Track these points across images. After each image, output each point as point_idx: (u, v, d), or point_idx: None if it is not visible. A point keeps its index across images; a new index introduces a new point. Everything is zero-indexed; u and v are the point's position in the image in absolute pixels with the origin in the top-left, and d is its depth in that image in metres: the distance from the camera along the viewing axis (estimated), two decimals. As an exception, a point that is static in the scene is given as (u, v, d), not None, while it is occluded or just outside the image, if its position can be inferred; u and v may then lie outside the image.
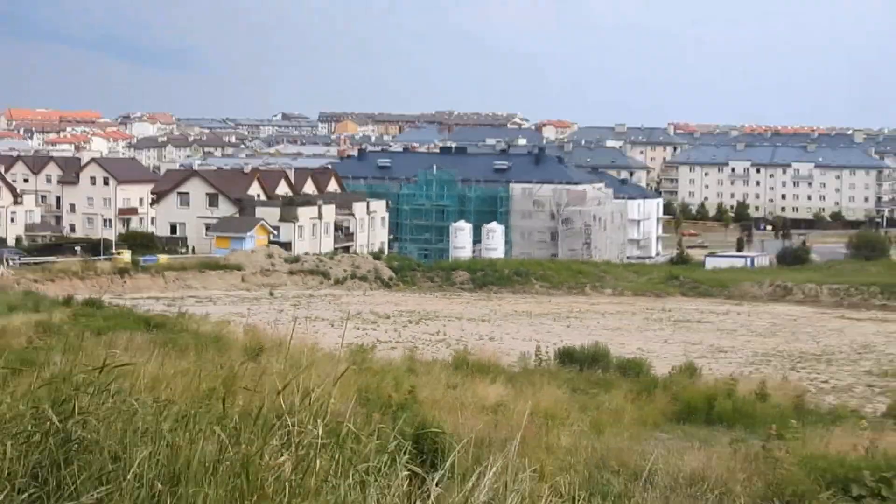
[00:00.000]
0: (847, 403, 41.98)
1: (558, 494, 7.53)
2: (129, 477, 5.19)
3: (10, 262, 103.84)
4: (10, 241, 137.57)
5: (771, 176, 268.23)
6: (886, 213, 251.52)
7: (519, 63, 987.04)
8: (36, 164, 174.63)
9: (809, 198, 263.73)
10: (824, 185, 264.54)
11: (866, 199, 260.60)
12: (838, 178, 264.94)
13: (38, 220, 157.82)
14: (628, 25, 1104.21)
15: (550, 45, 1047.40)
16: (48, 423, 5.51)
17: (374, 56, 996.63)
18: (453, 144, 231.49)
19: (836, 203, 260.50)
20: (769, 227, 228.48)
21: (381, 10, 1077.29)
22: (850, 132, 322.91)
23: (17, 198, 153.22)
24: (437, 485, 6.03)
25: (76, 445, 5.44)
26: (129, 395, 6.06)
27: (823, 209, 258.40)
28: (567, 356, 47.57)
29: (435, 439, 12.40)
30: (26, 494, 5.18)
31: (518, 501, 5.98)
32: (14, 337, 33.74)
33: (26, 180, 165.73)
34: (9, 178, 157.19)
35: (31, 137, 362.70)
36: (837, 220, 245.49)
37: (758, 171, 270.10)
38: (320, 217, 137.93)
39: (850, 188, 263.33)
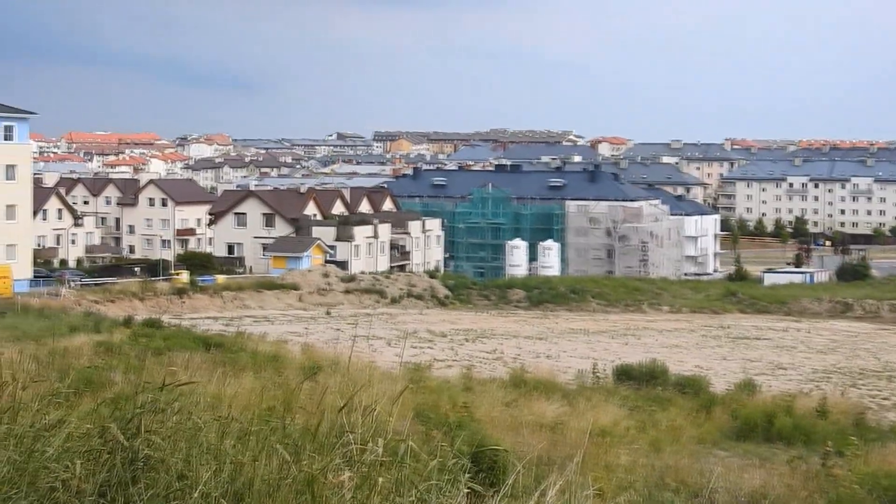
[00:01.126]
0: (908, 420, 41.59)
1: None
2: (195, 495, 5.25)
3: (71, 284, 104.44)
4: (71, 263, 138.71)
5: (829, 191, 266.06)
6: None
7: (573, 80, 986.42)
8: (95, 186, 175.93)
9: (869, 213, 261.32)
10: (884, 199, 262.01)
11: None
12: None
13: (97, 241, 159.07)
14: (684, 41, 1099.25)
15: (605, 61, 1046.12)
16: (115, 441, 5.58)
17: (429, 75, 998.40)
18: (508, 162, 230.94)
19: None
20: (828, 243, 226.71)
21: (435, 29, 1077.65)
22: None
23: (77, 220, 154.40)
24: (497, 500, 6.05)
25: (142, 464, 5.50)
26: (191, 414, 6.12)
27: (883, 224, 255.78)
28: (624, 374, 47.45)
29: (493, 457, 12.42)
30: (97, 512, 5.25)
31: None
32: (76, 357, 33.98)
33: (86, 202, 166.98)
34: (69, 200, 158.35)
35: (90, 160, 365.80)
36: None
37: (816, 186, 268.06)
38: (376, 236, 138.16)
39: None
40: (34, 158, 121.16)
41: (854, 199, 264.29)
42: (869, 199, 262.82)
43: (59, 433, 5.59)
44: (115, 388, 7.73)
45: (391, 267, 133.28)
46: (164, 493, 5.29)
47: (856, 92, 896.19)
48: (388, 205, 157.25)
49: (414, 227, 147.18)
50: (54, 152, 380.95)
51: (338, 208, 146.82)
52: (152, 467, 5.46)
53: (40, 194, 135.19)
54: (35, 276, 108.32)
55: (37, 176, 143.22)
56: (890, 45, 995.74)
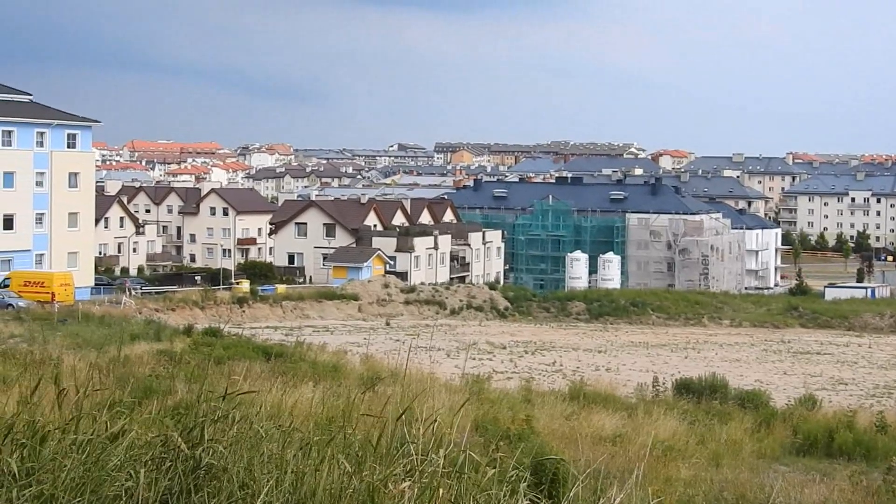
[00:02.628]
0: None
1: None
2: (257, 504, 5.28)
3: (133, 292, 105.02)
4: (133, 271, 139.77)
5: (892, 206, 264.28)
6: None
7: (635, 92, 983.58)
8: (157, 194, 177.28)
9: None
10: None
11: None
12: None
13: (159, 249, 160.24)
14: (746, 55, 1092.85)
15: (667, 73, 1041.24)
16: (177, 450, 5.61)
17: (489, 87, 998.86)
18: (569, 174, 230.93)
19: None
20: (890, 258, 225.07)
21: (497, 42, 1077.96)
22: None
23: (139, 228, 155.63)
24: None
25: (204, 472, 5.53)
26: (252, 423, 6.15)
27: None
28: (684, 387, 47.22)
29: (554, 469, 12.40)
30: (161, 519, 5.29)
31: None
32: (137, 366, 34.27)
33: (148, 211, 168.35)
34: (131, 208, 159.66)
35: (152, 169, 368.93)
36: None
37: (878, 200, 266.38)
38: (436, 247, 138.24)
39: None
40: (97, 166, 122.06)
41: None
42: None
43: (122, 442, 5.63)
44: (177, 397, 7.77)
45: (451, 278, 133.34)
46: (227, 502, 5.32)
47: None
48: (448, 216, 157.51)
49: (474, 238, 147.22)
50: (117, 161, 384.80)
51: (398, 219, 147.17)
52: (214, 476, 5.49)
53: (102, 202, 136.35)
54: (96, 284, 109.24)
55: (99, 184, 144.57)
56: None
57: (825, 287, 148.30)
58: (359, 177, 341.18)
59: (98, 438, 5.53)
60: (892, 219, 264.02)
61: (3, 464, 5.17)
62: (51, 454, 5.34)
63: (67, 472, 5.20)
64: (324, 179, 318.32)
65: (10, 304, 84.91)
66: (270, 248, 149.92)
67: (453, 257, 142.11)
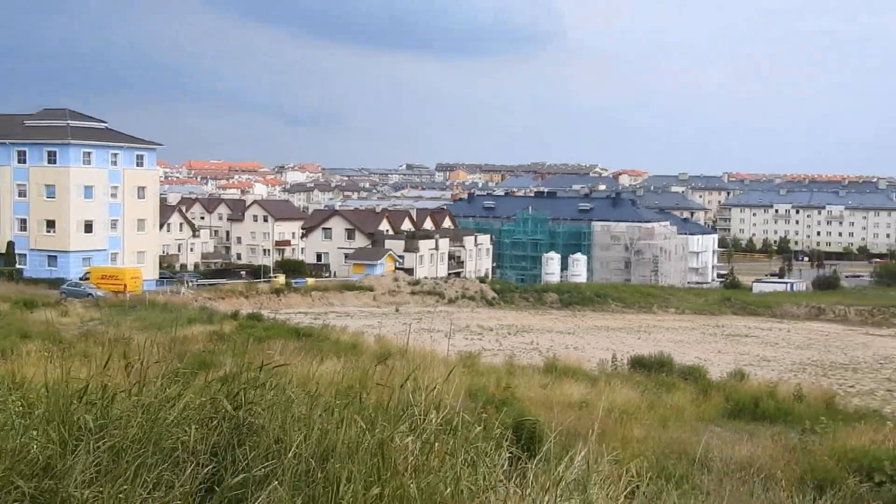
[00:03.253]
0: (869, 405, 41.21)
1: (631, 477, 7.49)
2: (289, 455, 5.27)
3: (189, 284, 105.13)
4: (189, 267, 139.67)
5: (808, 216, 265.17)
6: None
7: (601, 122, 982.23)
8: (210, 204, 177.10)
9: (840, 234, 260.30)
10: (853, 223, 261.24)
11: (888, 236, 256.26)
12: (865, 218, 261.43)
13: (211, 249, 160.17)
14: (687, 90, 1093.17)
15: (625, 107, 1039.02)
16: (223, 411, 5.60)
17: (481, 117, 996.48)
18: (545, 189, 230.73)
19: (863, 239, 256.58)
20: (806, 259, 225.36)
21: (490, 78, 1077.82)
22: (875, 179, 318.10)
23: (194, 232, 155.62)
24: (534, 465, 6.04)
25: (245, 429, 5.52)
26: (285, 389, 6.13)
27: (852, 244, 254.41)
28: (638, 363, 47.23)
29: (531, 429, 12.38)
30: (208, 468, 5.28)
31: (599, 482, 5.97)
32: (193, 343, 34.26)
33: (202, 218, 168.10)
34: (188, 216, 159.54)
35: (206, 183, 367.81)
36: (863, 254, 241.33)
37: (797, 212, 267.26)
38: (437, 248, 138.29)
39: (875, 227, 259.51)
40: (160, 181, 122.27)
41: (828, 223, 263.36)
42: (840, 223, 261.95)
43: (178, 404, 5.63)
44: (224, 369, 7.78)
45: (449, 273, 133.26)
46: (264, 454, 5.31)
47: (833, 131, 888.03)
48: (447, 223, 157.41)
49: (468, 241, 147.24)
50: (176, 177, 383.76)
51: (406, 225, 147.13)
52: (254, 432, 5.48)
53: (165, 211, 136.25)
54: (160, 278, 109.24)
55: (162, 196, 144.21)
56: (858, 90, 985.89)
57: (753, 282, 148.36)
58: (374, 191, 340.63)
59: (158, 401, 5.53)
60: (808, 227, 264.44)
61: (81, 420, 5.16)
62: (119, 413, 5.33)
63: (133, 428, 5.20)
64: (345, 193, 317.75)
65: (90, 294, 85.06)
66: (302, 249, 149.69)
67: (451, 256, 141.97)
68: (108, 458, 4.95)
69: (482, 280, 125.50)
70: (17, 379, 7.29)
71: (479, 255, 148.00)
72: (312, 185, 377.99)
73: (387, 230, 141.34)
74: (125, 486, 4.83)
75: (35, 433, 5.02)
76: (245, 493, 5.10)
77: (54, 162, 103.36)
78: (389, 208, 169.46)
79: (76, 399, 5.29)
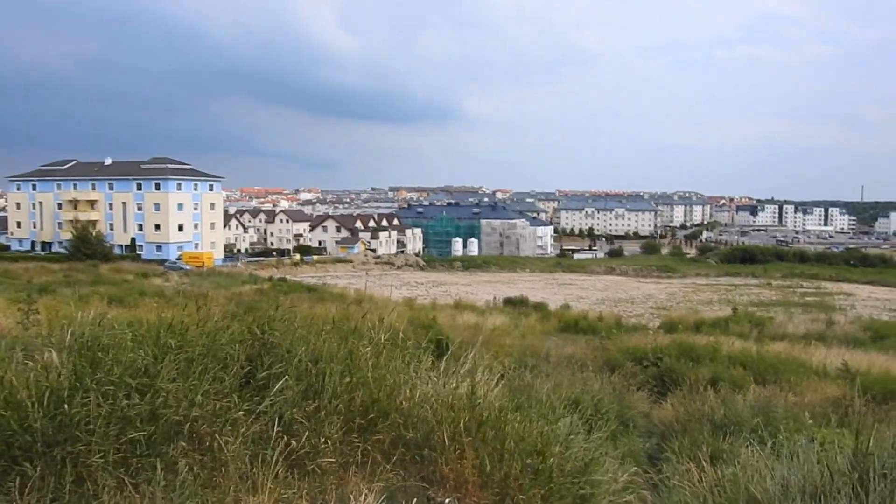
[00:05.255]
0: (640, 322, 41.92)
1: (503, 366, 7.51)
2: (294, 361, 5.16)
3: (242, 260, 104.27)
4: (242, 251, 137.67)
5: (604, 215, 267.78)
6: (660, 232, 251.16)
7: (486, 160, 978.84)
8: (254, 213, 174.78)
9: (622, 225, 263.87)
10: (629, 219, 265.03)
11: (650, 225, 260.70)
12: (636, 216, 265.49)
13: (255, 240, 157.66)
14: (523, 132, 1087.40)
15: (498, 149, 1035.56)
16: (255, 335, 5.46)
17: (415, 158, 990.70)
18: (453, 201, 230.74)
19: (636, 228, 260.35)
20: (604, 239, 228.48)
21: (418, 137, 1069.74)
22: (643, 193, 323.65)
23: (245, 230, 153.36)
24: (444, 362, 5.99)
25: (269, 346, 5.39)
26: (294, 321, 6.00)
27: (629, 230, 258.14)
28: (508, 301, 47.62)
29: (445, 341, 12.33)
30: (246, 369, 5.15)
31: (483, 368, 5.94)
32: (244, 296, 33.74)
33: (250, 221, 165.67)
34: (241, 220, 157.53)
35: (251, 200, 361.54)
36: (636, 236, 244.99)
37: (598, 212, 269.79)
38: (390, 237, 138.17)
39: (642, 221, 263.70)
40: (224, 200, 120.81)
41: (616, 219, 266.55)
42: (623, 219, 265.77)
43: (229, 331, 5.47)
44: (262, 311, 7.66)
45: (397, 251, 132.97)
46: (280, 360, 5.19)
47: (613, 156, 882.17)
48: (395, 222, 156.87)
49: (408, 232, 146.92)
50: (234, 197, 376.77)
51: (372, 223, 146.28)
52: (273, 347, 5.35)
53: (227, 218, 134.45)
54: (225, 258, 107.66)
55: (225, 208, 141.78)
56: (635, 124, 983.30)
57: (574, 253, 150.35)
58: (352, 203, 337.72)
59: (216, 329, 5.37)
60: (604, 221, 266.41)
61: (167, 342, 4.99)
62: (191, 337, 5.16)
63: (199, 346, 5.04)
64: (335, 205, 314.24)
65: (183, 268, 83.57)
66: (309, 238, 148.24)
67: (398, 241, 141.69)
68: (184, 365, 4.80)
69: (417, 255, 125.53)
70: (132, 319, 7.07)
71: (414, 241, 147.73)
72: (316, 200, 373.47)
73: (360, 226, 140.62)
74: (195, 381, 4.68)
75: (141, 351, 4.83)
76: (268, 383, 4.98)
77: (159, 189, 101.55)
78: (362, 214, 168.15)
79: (164, 329, 5.11)
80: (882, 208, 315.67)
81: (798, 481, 4.49)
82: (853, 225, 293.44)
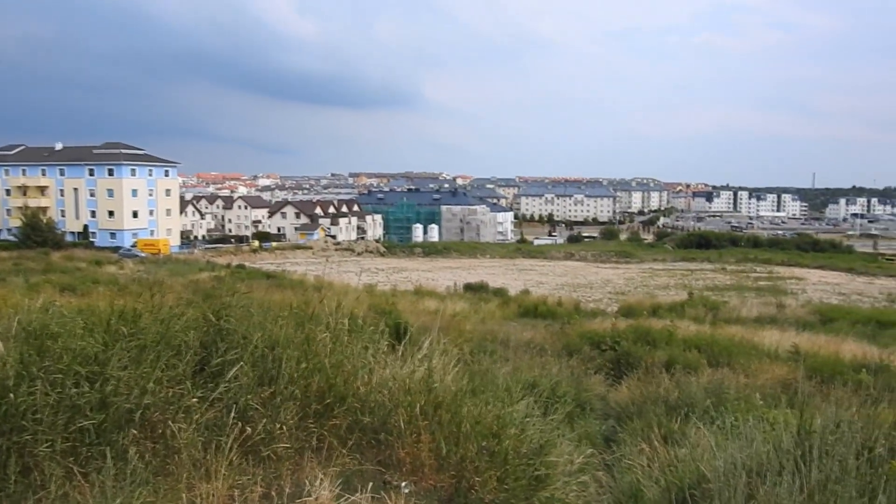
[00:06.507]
0: (599, 307, 42.39)
1: (463, 352, 7.53)
2: (250, 347, 5.11)
3: (199, 247, 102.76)
4: (200, 238, 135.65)
5: (564, 201, 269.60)
6: (618, 218, 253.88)
7: (447, 145, 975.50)
8: (212, 199, 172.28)
9: (581, 211, 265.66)
10: (588, 205, 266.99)
11: (609, 211, 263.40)
12: (595, 202, 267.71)
13: (212, 226, 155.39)
14: (487, 122, 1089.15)
15: (455, 135, 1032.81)
16: (210, 321, 5.40)
17: (378, 144, 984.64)
18: (414, 187, 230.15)
19: (595, 213, 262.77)
20: (564, 225, 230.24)
21: (377, 123, 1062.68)
22: (602, 180, 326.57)
23: (202, 216, 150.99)
24: (402, 346, 6.00)
25: (223, 331, 5.33)
26: (250, 307, 5.93)
27: (588, 216, 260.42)
28: (468, 287, 47.77)
29: (404, 327, 12.32)
30: (200, 356, 5.08)
31: (440, 352, 5.96)
32: (202, 283, 33.28)
33: (206, 207, 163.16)
34: (198, 206, 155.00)
35: (208, 186, 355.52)
36: (595, 223, 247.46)
37: (559, 198, 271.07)
38: (350, 223, 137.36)
39: (600, 207, 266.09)
40: (179, 186, 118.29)
41: (575, 205, 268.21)
42: (582, 205, 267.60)
43: (183, 317, 5.39)
44: (219, 298, 7.52)
45: (357, 238, 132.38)
46: (235, 346, 5.13)
47: (577, 143, 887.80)
48: (356, 208, 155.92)
49: (369, 218, 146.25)
50: (191, 182, 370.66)
51: (331, 209, 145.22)
52: (229, 333, 5.29)
53: (183, 204, 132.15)
54: (181, 245, 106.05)
55: (181, 194, 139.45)
56: (597, 113, 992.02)
57: (534, 239, 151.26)
58: (311, 189, 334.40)
59: (170, 316, 5.29)
60: (564, 207, 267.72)
61: (119, 329, 4.90)
62: (144, 324, 5.08)
63: (152, 333, 4.96)
64: (294, 191, 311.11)
65: (138, 255, 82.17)
66: (268, 224, 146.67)
67: (358, 227, 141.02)
68: (136, 352, 4.72)
69: (377, 241, 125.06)
70: (84, 307, 6.92)
71: (375, 227, 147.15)
72: (275, 186, 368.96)
73: (320, 212, 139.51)
74: (147, 369, 4.61)
75: (92, 339, 4.74)
76: (223, 370, 4.92)
77: (113, 175, 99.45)
78: (322, 200, 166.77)
79: (115, 316, 5.02)
80: (832, 194, 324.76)
81: (745, 459, 4.62)
82: (805, 211, 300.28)
